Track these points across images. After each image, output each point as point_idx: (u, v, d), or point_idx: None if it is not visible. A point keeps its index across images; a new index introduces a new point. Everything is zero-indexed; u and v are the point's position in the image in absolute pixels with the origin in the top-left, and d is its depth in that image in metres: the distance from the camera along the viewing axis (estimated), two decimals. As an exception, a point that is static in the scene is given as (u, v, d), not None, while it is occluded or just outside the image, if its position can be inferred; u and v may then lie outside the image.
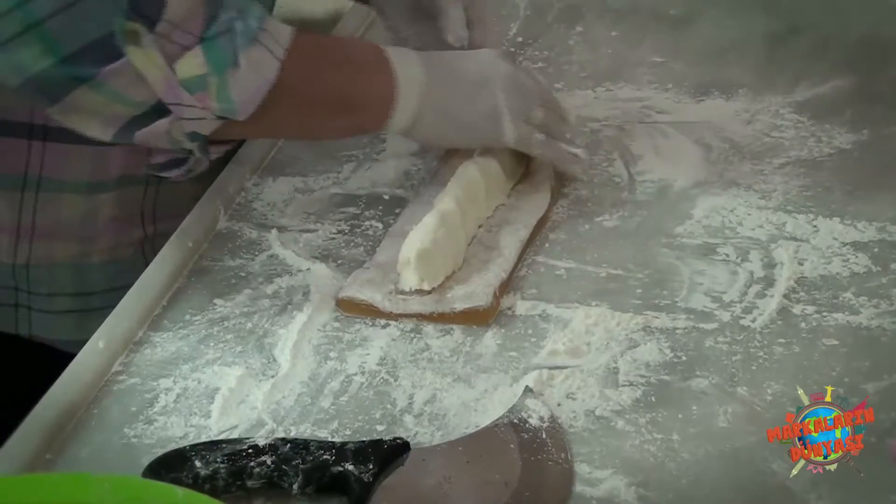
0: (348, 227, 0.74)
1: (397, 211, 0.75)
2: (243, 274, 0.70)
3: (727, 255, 0.67)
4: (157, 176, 0.66)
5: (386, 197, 0.77)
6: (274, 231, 0.74)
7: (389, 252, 0.68)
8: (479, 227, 0.70)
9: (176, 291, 0.69)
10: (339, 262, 0.70)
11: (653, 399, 0.57)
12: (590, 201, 0.74)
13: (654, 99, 0.85)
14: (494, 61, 0.71)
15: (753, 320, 0.61)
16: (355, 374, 0.60)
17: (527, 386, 0.57)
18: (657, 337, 0.61)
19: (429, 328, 0.63)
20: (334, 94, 0.66)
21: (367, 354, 0.62)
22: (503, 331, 0.62)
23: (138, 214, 0.79)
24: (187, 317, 0.66)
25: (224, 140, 0.65)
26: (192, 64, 0.58)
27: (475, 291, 0.64)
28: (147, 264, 0.69)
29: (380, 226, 0.74)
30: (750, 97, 0.84)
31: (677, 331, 0.61)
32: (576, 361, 0.60)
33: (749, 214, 0.71)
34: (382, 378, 0.60)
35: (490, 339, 0.62)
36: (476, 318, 0.63)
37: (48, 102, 0.59)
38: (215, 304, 0.67)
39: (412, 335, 0.63)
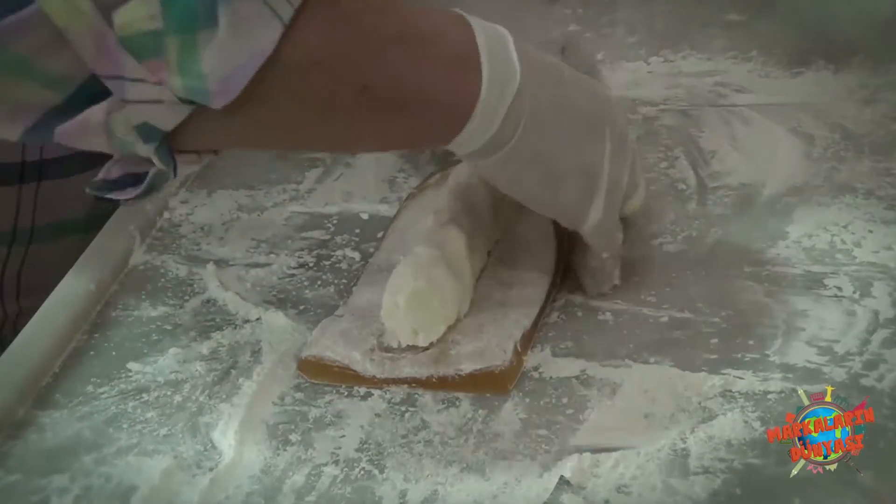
0: (313, 260, 0.75)
1: (380, 235, 0.76)
2: (168, 327, 0.71)
3: (839, 290, 0.67)
4: (102, 198, 0.60)
5: (364, 216, 0.79)
6: (210, 266, 0.75)
7: (370, 294, 0.69)
8: (488, 253, 0.71)
9: (72, 353, 0.70)
10: (302, 307, 0.71)
11: (737, 491, 0.57)
12: (644, 217, 0.74)
13: (732, 72, 0.87)
14: (610, 101, 0.68)
15: (880, 379, 0.62)
16: (326, 465, 0.61)
17: (562, 476, 0.58)
18: (742, 405, 0.61)
19: (426, 398, 0.64)
20: (376, 83, 0.57)
21: (343, 437, 0.62)
22: (528, 400, 0.63)
23: None
24: (90, 388, 0.67)
25: (196, 147, 0.59)
26: (140, 14, 0.51)
27: (489, 346, 0.65)
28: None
29: (356, 256, 0.75)
30: (868, 67, 0.85)
31: (770, 396, 0.61)
32: (629, 441, 0.60)
33: (870, 231, 0.71)
34: (363, 469, 0.60)
35: (510, 413, 0.63)
36: (491, 384, 0.64)
37: None
38: (129, 371, 0.68)
39: (404, 409, 0.64)
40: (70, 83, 0.52)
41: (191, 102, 0.53)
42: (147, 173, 0.57)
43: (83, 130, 0.54)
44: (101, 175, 0.58)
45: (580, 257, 0.69)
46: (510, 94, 0.61)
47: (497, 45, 0.61)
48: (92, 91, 0.53)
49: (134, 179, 0.58)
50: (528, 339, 0.66)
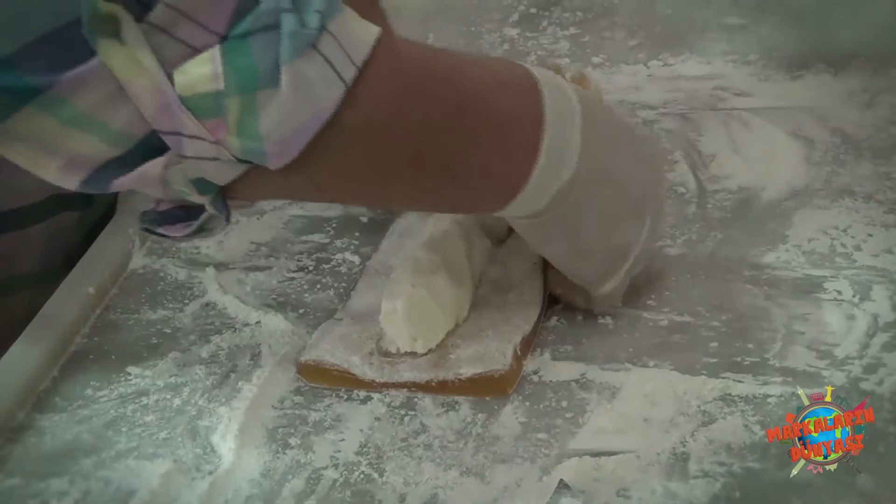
0: (312, 263, 0.76)
1: (379, 238, 0.76)
2: (168, 330, 0.71)
3: (839, 293, 0.68)
4: (152, 232, 0.60)
5: (363, 219, 0.79)
6: (210, 270, 0.76)
7: (369, 297, 0.69)
8: (487, 257, 0.71)
9: (72, 357, 0.70)
10: (301, 311, 0.72)
11: (737, 495, 0.57)
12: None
13: (732, 76, 0.87)
14: (658, 167, 0.68)
15: (880, 382, 0.62)
16: (326, 468, 0.61)
17: (561, 480, 0.58)
18: (741, 408, 0.61)
19: (426, 402, 0.64)
20: (429, 154, 0.57)
21: (342, 440, 0.63)
22: (528, 404, 0.63)
23: None
24: (89, 392, 0.67)
25: (249, 199, 0.59)
26: (202, 74, 0.50)
27: (488, 351, 0.65)
28: None
29: (356, 260, 0.75)
30: (868, 71, 0.85)
31: (770, 399, 0.62)
32: (629, 444, 0.60)
33: (871, 235, 0.71)
34: (363, 473, 0.61)
35: (510, 416, 0.63)
36: (490, 388, 0.64)
37: None
38: (129, 374, 0.68)
39: (403, 412, 0.64)
40: (130, 138, 0.52)
41: (247, 161, 0.53)
42: (197, 207, 0.57)
43: (140, 182, 0.53)
44: (148, 208, 0.58)
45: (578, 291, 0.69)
46: (564, 177, 0.60)
47: (563, 120, 0.60)
48: (150, 145, 0.52)
49: (185, 213, 0.58)
50: (528, 343, 0.66)
